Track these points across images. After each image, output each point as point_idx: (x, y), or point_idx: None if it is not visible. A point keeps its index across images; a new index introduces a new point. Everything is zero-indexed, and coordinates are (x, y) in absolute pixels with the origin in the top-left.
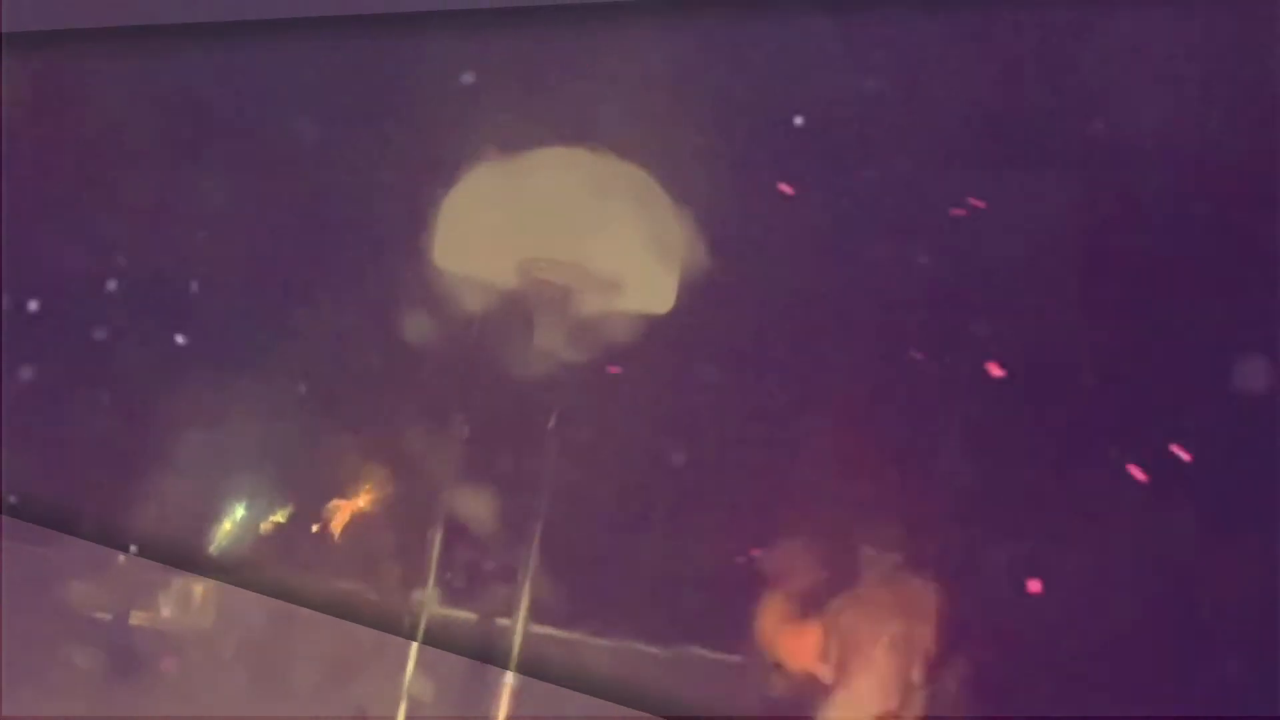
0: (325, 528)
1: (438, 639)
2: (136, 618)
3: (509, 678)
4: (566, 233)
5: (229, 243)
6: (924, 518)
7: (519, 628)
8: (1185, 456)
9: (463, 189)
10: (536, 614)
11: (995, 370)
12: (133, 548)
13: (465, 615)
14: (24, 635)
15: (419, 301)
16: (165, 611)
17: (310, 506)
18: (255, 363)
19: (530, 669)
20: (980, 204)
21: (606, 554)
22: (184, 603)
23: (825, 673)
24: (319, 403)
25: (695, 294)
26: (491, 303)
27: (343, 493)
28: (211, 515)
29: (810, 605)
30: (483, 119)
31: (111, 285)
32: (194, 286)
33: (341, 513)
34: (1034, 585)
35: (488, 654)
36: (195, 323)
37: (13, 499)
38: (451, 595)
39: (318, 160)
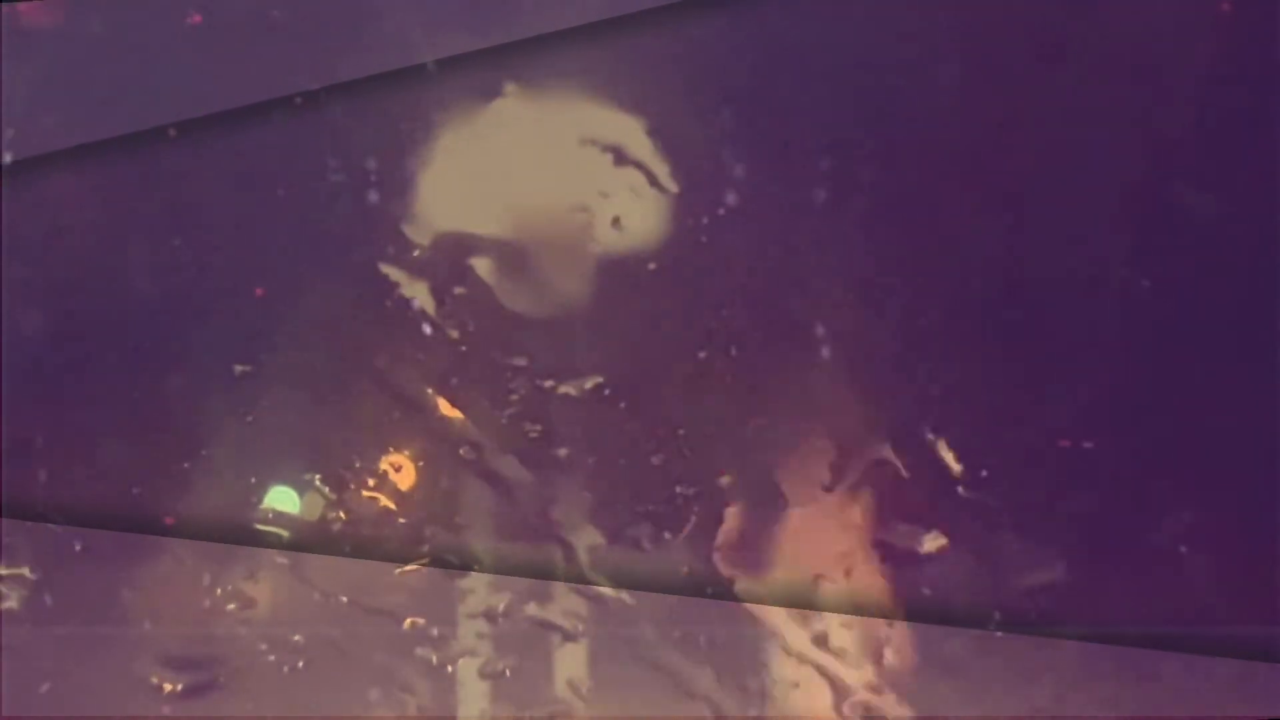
0: (373, 491)
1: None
2: (225, 599)
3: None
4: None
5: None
6: None
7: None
8: None
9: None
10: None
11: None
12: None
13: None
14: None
15: (417, 266)
16: (248, 590)
17: (350, 476)
18: (268, 354)
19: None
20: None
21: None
22: (263, 578)
23: None
24: (337, 380)
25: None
26: (490, 252)
27: (378, 459)
28: (263, 498)
29: None
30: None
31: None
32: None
33: (384, 477)
34: None
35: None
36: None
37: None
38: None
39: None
